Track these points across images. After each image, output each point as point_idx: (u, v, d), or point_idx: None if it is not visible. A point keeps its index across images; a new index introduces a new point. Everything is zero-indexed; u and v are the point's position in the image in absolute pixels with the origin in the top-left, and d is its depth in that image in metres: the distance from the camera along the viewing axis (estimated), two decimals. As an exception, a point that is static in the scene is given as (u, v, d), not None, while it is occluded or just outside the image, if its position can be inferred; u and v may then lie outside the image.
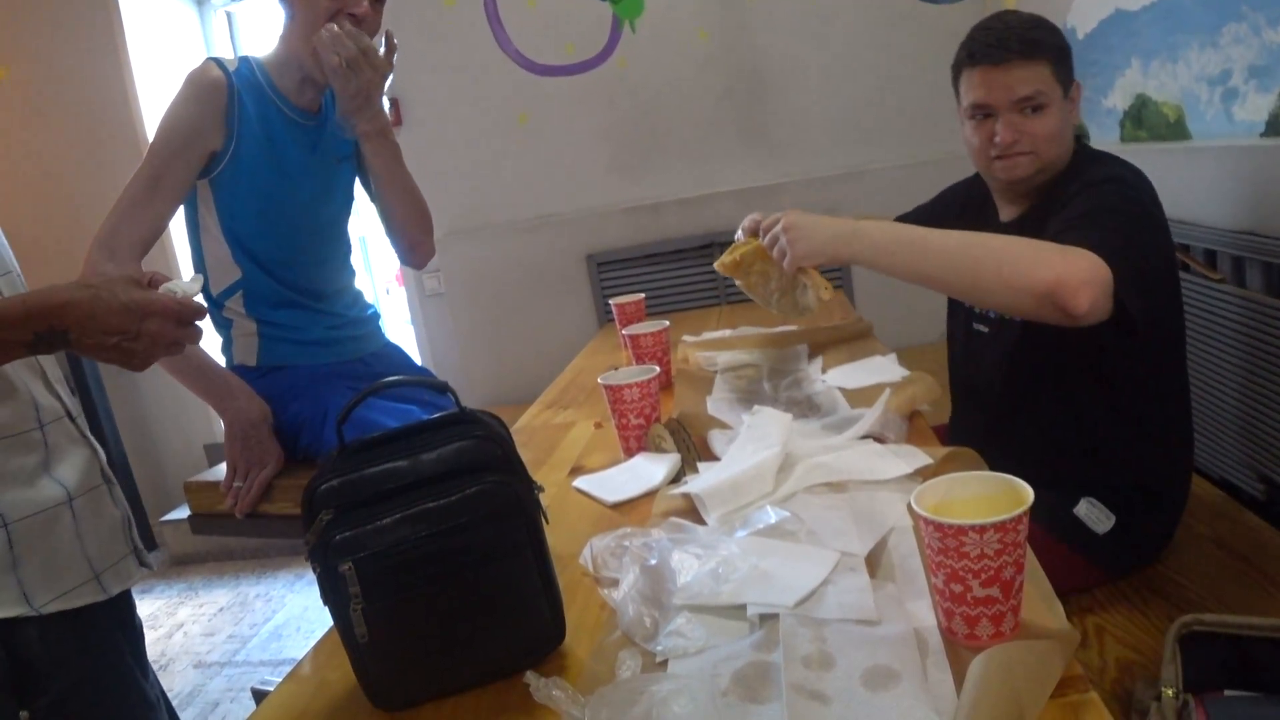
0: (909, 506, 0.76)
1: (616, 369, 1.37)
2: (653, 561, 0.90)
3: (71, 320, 0.88)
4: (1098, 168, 1.37)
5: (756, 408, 1.22)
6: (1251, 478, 1.80)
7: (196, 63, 1.58)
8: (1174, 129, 2.03)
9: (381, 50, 1.57)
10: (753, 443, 1.13)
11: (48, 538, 0.96)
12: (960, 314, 1.63)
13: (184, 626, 2.90)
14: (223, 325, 1.70)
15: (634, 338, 1.65)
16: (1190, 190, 1.97)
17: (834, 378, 1.53)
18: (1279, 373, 1.69)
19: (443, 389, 0.81)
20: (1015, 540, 0.71)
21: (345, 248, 1.81)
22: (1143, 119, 2.18)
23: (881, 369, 1.53)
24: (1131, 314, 1.19)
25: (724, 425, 1.28)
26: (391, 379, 0.82)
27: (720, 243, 3.18)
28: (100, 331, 0.90)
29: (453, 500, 0.77)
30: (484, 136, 3.29)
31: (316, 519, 0.76)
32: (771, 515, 0.97)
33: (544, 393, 1.80)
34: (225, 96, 1.56)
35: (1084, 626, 1.48)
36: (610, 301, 2.05)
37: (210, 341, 1.67)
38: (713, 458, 1.21)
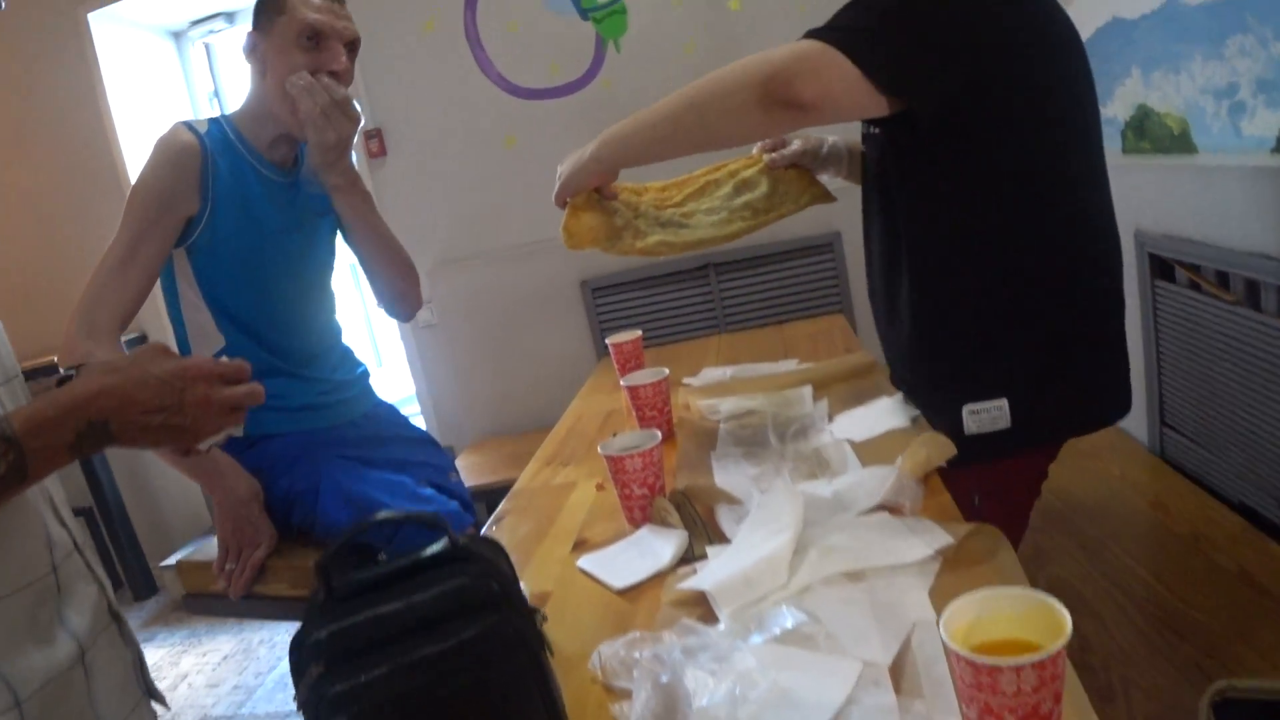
0: (940, 635, 0.71)
1: (615, 435, 1.32)
2: (665, 679, 0.86)
3: (108, 408, 0.82)
4: None
5: (766, 486, 1.17)
6: (1271, 504, 1.75)
7: (166, 126, 1.54)
8: (1178, 141, 1.98)
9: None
10: (764, 525, 1.09)
11: (59, 709, 0.87)
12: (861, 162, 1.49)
13: (188, 677, 2.85)
14: None
15: (633, 389, 1.60)
16: (1200, 209, 1.92)
17: (841, 427, 1.48)
18: (1299, 399, 1.64)
19: (433, 524, 0.76)
20: (1054, 673, 0.67)
21: (330, 305, 1.76)
22: (1145, 130, 2.13)
23: (889, 411, 1.49)
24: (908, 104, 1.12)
25: (732, 499, 1.23)
26: (382, 515, 0.76)
27: (715, 263, 3.12)
28: (140, 413, 0.84)
29: (449, 645, 0.72)
30: (471, 162, 3.21)
31: (306, 673, 0.72)
32: (788, 618, 0.92)
33: (541, 446, 1.75)
34: (199, 160, 1.51)
35: (1110, 680, 1.44)
36: (607, 341, 2.00)
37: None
38: (720, 534, 1.16)
